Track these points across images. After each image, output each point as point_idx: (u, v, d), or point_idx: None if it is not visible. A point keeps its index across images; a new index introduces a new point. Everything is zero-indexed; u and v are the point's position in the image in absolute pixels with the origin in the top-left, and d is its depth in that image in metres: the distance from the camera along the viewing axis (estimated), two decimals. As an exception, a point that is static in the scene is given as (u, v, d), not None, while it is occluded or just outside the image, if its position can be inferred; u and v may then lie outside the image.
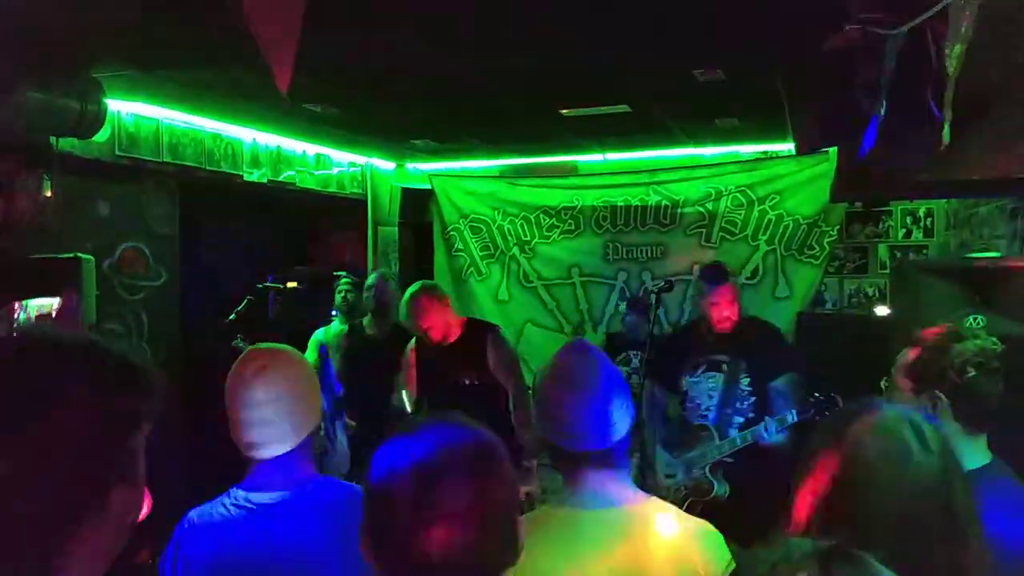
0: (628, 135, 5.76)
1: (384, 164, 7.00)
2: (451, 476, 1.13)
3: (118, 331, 4.72)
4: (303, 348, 4.96)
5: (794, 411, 3.54)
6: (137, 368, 1.01)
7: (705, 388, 3.87)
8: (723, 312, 3.81)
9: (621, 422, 1.76)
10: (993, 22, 2.36)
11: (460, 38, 3.46)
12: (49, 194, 4.04)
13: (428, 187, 6.93)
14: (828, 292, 6.18)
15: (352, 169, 6.67)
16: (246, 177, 5.48)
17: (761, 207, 6.00)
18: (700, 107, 4.90)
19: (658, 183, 6.31)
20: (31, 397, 0.92)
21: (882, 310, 5.39)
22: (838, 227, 5.89)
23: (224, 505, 1.88)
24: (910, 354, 1.98)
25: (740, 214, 6.06)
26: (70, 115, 3.66)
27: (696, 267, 6.13)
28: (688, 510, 3.69)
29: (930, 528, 1.17)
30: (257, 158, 5.60)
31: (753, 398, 3.77)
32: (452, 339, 4.02)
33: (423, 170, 7.06)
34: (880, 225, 6.13)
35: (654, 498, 1.81)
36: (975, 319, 2.66)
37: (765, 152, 6.09)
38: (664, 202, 6.28)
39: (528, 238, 6.65)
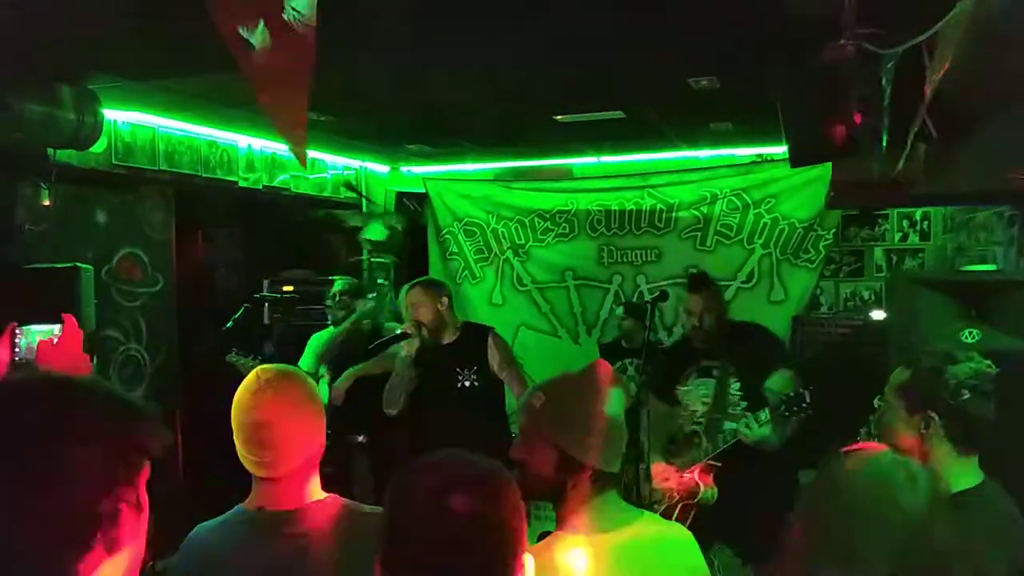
0: (622, 139, 5.77)
1: (379, 167, 7.01)
2: (462, 503, 1.16)
3: (116, 337, 4.74)
4: (299, 353, 4.98)
5: (766, 408, 3.57)
6: (142, 406, 1.08)
7: (698, 395, 3.90)
8: (693, 320, 3.88)
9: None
10: (984, 34, 2.38)
11: (455, 44, 3.47)
12: (47, 204, 4.06)
13: (423, 191, 6.94)
14: (824, 295, 6.20)
15: (347, 173, 6.68)
16: (241, 183, 5.49)
17: (756, 211, 6.02)
18: (695, 112, 4.91)
19: (652, 187, 6.32)
20: (50, 434, 0.97)
21: (878, 314, 5.41)
22: (834, 231, 5.91)
23: (231, 521, 1.91)
24: (904, 373, 2.00)
25: (735, 218, 6.07)
26: (67, 127, 3.66)
27: (692, 271, 6.17)
28: (680, 513, 3.76)
29: (917, 566, 1.20)
30: (252, 164, 5.60)
31: (744, 403, 3.79)
32: (448, 340, 4.04)
33: (418, 173, 7.06)
34: (876, 228, 6.14)
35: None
36: (970, 332, 2.68)
37: (760, 155, 6.10)
38: (659, 206, 6.29)
39: (522, 241, 6.66)
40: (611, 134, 5.54)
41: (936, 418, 1.88)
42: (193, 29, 2.98)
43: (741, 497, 3.71)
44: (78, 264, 3.80)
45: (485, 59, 3.72)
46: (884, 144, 2.49)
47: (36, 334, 1.61)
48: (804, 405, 3.43)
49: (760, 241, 6.02)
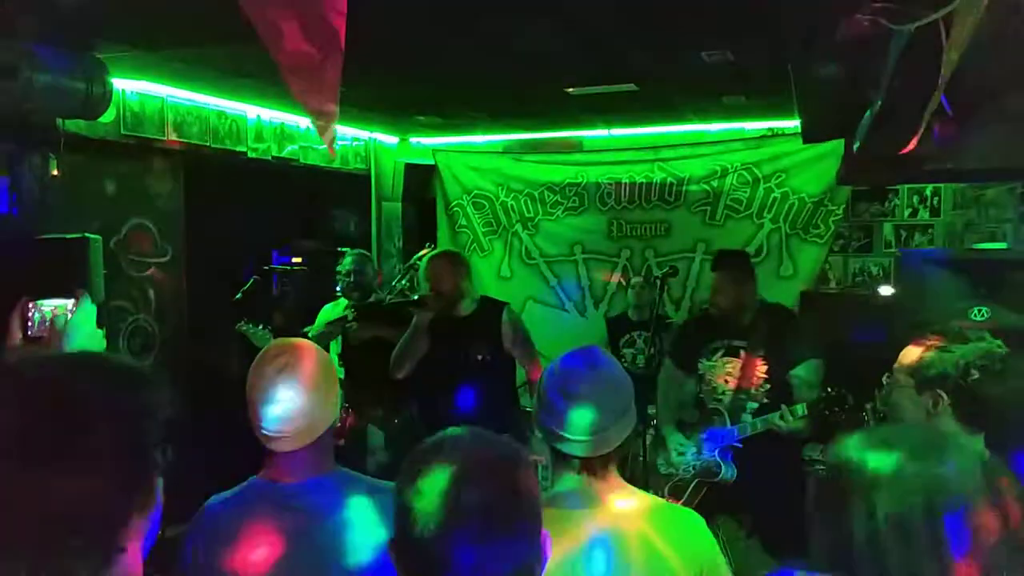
0: (633, 111, 5.74)
1: (388, 139, 6.98)
2: (476, 485, 1.16)
3: (126, 308, 4.76)
4: (309, 323, 4.99)
5: (804, 404, 3.57)
6: (159, 379, 1.13)
7: (722, 372, 3.89)
8: (717, 298, 3.89)
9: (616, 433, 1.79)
10: (1002, 15, 2.34)
11: (467, 14, 3.43)
12: (56, 173, 4.06)
13: (432, 162, 6.92)
14: (832, 271, 6.18)
15: (356, 143, 6.66)
16: (250, 153, 5.48)
17: (767, 185, 5.99)
18: (707, 85, 4.87)
19: (663, 160, 6.29)
20: (86, 410, 1.01)
21: (886, 290, 5.39)
22: (844, 206, 5.88)
23: (244, 493, 1.93)
24: (913, 352, 2.00)
25: (745, 192, 6.05)
26: (76, 96, 3.66)
27: (700, 245, 6.17)
28: (696, 490, 3.78)
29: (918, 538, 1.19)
30: (261, 134, 5.59)
31: (768, 385, 3.79)
32: (466, 313, 4.05)
33: (427, 145, 7.03)
34: (886, 204, 6.10)
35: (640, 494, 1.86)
36: (979, 311, 2.68)
37: (771, 129, 6.06)
38: (669, 179, 6.27)
39: (532, 215, 6.65)
40: (622, 107, 5.50)
41: (944, 397, 1.89)
42: (202, -1, 2.98)
43: (745, 470, 3.74)
44: (87, 235, 3.80)
45: (498, 28, 3.69)
46: (898, 120, 2.47)
47: (49, 308, 1.61)
48: (846, 407, 3.43)
49: (769, 216, 5.99)
